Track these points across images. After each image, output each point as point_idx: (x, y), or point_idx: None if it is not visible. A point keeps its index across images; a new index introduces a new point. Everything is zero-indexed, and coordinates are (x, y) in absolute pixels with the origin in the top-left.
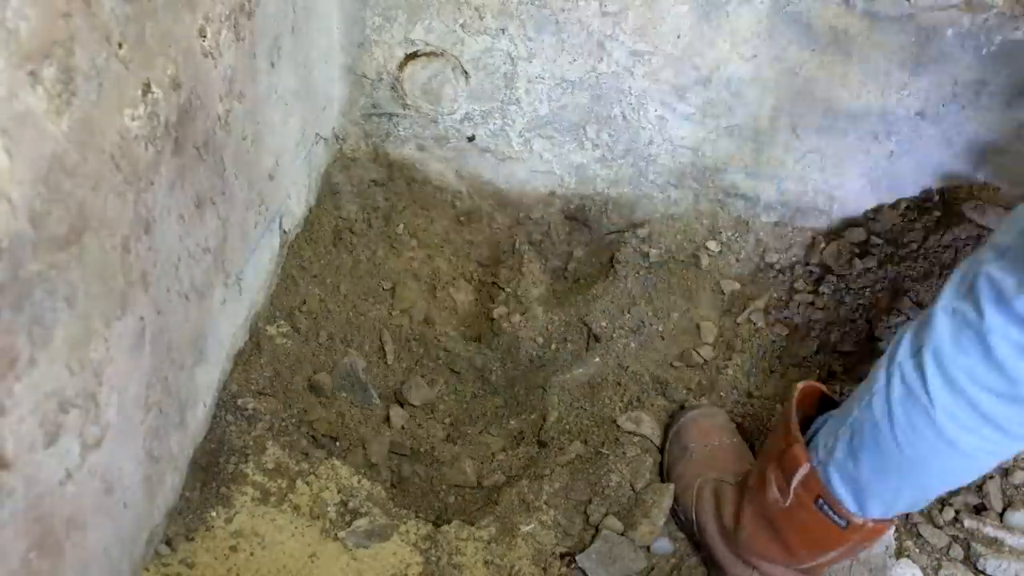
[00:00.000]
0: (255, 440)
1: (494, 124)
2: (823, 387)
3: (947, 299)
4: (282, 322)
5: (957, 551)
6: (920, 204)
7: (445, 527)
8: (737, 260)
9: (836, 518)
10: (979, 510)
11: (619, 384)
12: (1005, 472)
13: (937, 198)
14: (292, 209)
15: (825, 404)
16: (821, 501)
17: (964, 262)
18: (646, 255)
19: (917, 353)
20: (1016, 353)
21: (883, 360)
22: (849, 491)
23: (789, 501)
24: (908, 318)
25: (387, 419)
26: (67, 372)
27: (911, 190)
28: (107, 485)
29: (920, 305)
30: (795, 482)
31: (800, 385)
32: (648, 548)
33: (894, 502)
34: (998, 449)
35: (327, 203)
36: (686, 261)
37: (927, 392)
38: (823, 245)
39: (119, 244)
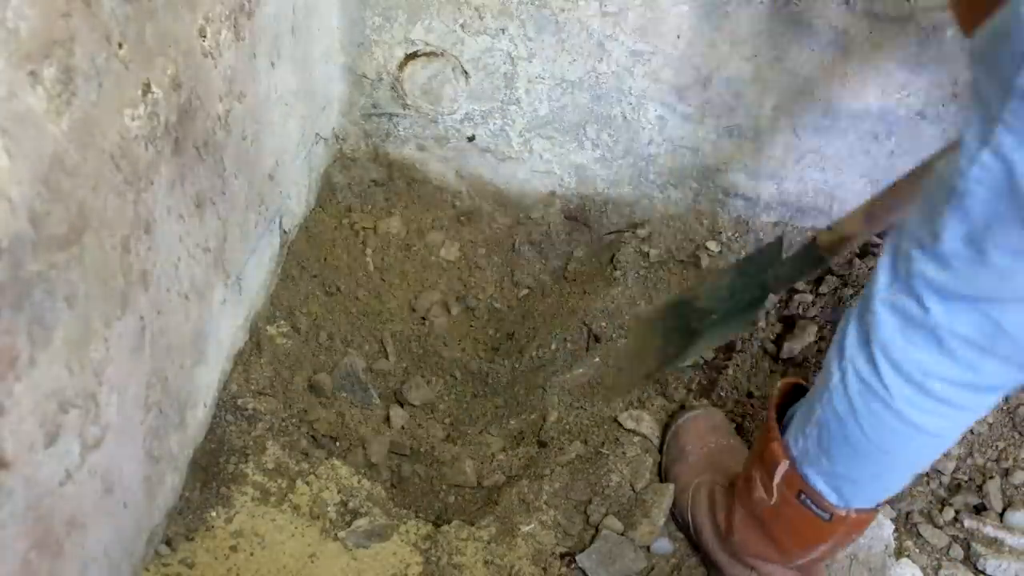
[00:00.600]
0: (255, 440)
1: (494, 124)
2: (799, 380)
3: (884, 291)
4: (282, 322)
5: (957, 551)
6: None
7: (445, 527)
8: (737, 260)
9: (819, 511)
10: (979, 510)
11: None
12: (1005, 472)
13: None
14: (292, 209)
15: (801, 395)
16: (803, 496)
17: (889, 251)
18: (646, 255)
19: (866, 345)
20: (966, 344)
21: (833, 352)
22: (829, 486)
23: (774, 499)
24: None
25: (387, 419)
26: (67, 372)
27: None
28: (107, 485)
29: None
30: (777, 479)
31: (780, 382)
32: (648, 548)
33: (875, 489)
34: (962, 423)
35: (327, 203)
36: (686, 261)
37: (883, 385)
38: None
39: (119, 244)
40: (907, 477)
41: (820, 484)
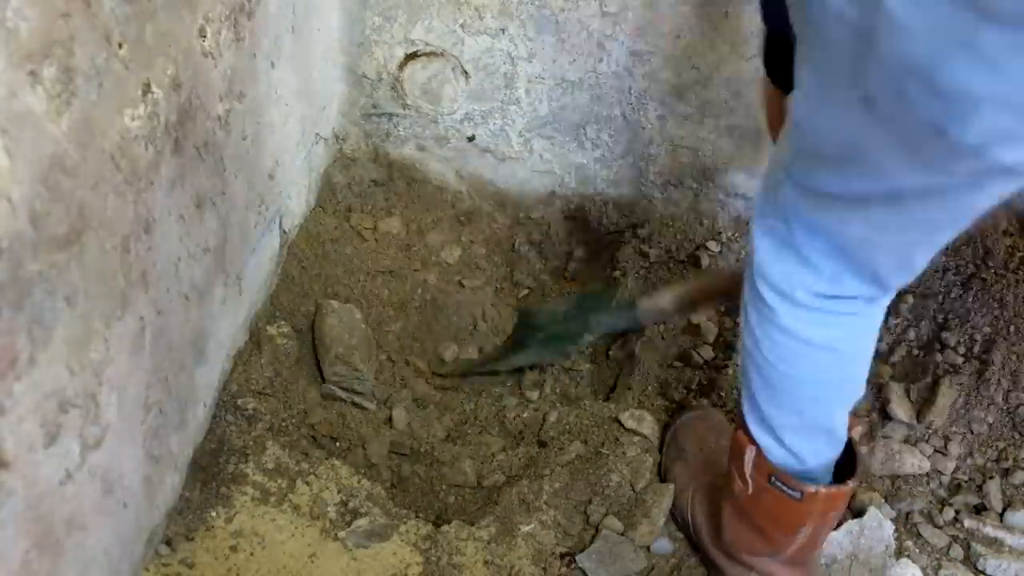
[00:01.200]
0: (255, 440)
1: (494, 124)
2: None
3: (759, 216)
4: (282, 322)
5: (957, 551)
6: None
7: (445, 527)
8: (737, 260)
9: (790, 491)
10: (979, 510)
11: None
12: (1005, 472)
13: None
14: (292, 209)
15: None
16: (774, 479)
17: (765, 178)
18: (646, 255)
19: (752, 279)
20: (824, 258)
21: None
22: (771, 438)
23: (751, 488)
24: (905, 318)
25: (388, 419)
26: (67, 372)
27: None
28: (107, 485)
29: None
30: (748, 467)
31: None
32: (648, 548)
33: (802, 428)
34: (847, 333)
35: (327, 203)
36: (686, 261)
37: (766, 304)
38: None
39: (119, 244)
40: (828, 410)
41: (762, 437)
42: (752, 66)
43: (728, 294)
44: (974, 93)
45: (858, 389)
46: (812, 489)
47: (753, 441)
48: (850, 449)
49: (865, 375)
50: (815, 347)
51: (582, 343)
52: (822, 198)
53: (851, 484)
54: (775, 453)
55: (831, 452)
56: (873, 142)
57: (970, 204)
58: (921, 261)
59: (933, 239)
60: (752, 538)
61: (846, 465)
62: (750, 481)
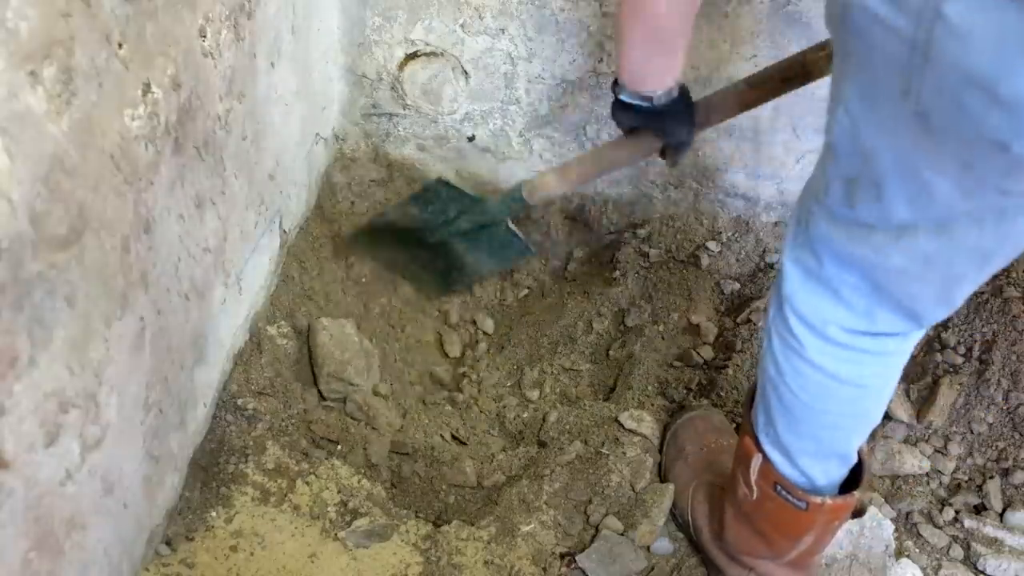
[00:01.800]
0: (255, 440)
1: (494, 124)
2: None
3: (789, 247)
4: (282, 322)
5: (957, 551)
6: None
7: (445, 527)
8: (737, 260)
9: (795, 501)
10: (979, 510)
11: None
12: (1005, 472)
13: None
14: (292, 209)
15: None
16: (779, 487)
17: (797, 207)
18: (646, 255)
19: (780, 306)
20: (857, 294)
21: (764, 323)
22: (783, 457)
23: (755, 494)
24: None
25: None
26: (67, 372)
27: None
28: (107, 485)
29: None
30: (754, 474)
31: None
32: (648, 548)
33: (818, 454)
34: (875, 370)
35: (327, 203)
36: (686, 261)
37: (794, 336)
38: None
39: (119, 244)
40: (845, 438)
41: (774, 455)
42: (752, 65)
43: (614, 167)
44: None
45: (879, 419)
46: (817, 500)
47: (761, 450)
48: (857, 460)
49: (886, 405)
50: (842, 382)
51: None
52: (860, 229)
53: (856, 495)
54: (785, 471)
55: (841, 473)
56: (924, 160)
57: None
58: (962, 296)
59: (982, 270)
60: (754, 541)
61: (851, 474)
62: (755, 488)
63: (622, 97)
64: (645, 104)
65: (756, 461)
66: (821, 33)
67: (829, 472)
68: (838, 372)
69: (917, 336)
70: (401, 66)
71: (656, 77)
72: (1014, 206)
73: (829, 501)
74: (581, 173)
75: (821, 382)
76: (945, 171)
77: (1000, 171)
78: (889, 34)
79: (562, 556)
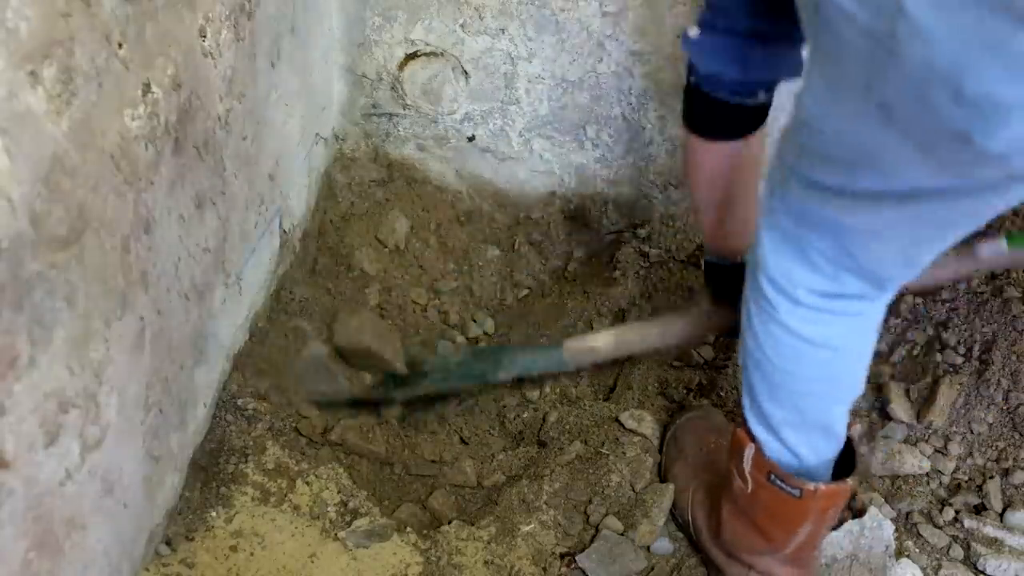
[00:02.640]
0: (255, 440)
1: (494, 124)
2: None
3: (764, 216)
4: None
5: (957, 551)
6: None
7: (445, 527)
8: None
9: (789, 489)
10: (979, 510)
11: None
12: (1005, 472)
13: None
14: (292, 209)
15: None
16: (772, 476)
17: (769, 173)
18: (646, 255)
19: (755, 274)
20: (824, 258)
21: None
22: (770, 435)
23: (750, 486)
24: (905, 318)
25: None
26: (67, 372)
27: None
28: (107, 485)
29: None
30: (747, 465)
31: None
32: (648, 548)
33: (801, 425)
34: (846, 332)
35: (327, 203)
36: (686, 261)
37: (768, 300)
38: None
39: (119, 244)
40: (826, 406)
41: (761, 434)
42: None
43: (666, 344)
44: (1004, 101)
45: (858, 387)
46: (811, 487)
47: (752, 439)
48: (849, 447)
49: (865, 373)
50: (815, 345)
51: (493, 380)
52: (827, 192)
53: (850, 482)
54: (773, 449)
55: (830, 450)
56: (889, 148)
57: (988, 205)
58: (928, 258)
59: (945, 236)
60: (751, 536)
61: (845, 463)
62: (749, 479)
63: (706, 258)
64: (726, 262)
65: (749, 451)
66: None
67: (817, 449)
68: (812, 335)
69: (885, 299)
70: (401, 66)
71: (732, 240)
72: (976, 186)
73: (823, 487)
74: (627, 345)
75: (795, 346)
76: (910, 158)
77: (964, 160)
78: (853, 27)
79: (562, 556)
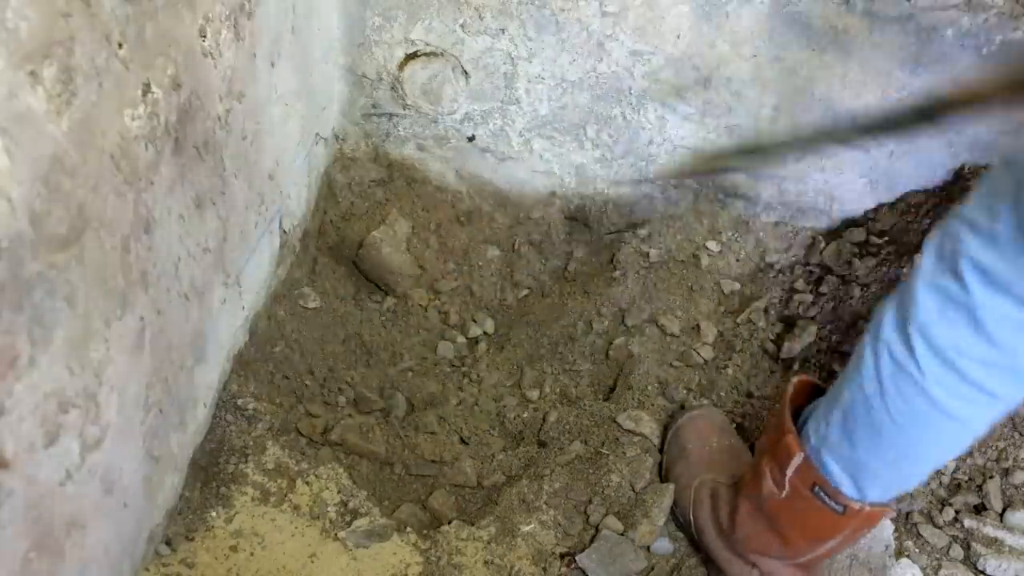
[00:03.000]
0: (255, 440)
1: (494, 124)
2: (816, 380)
3: (928, 275)
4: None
5: (957, 551)
6: (920, 204)
7: (445, 527)
8: (737, 260)
9: (833, 504)
10: (979, 510)
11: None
12: (1005, 472)
13: (937, 198)
14: (292, 209)
15: (817, 396)
16: (818, 488)
17: (938, 235)
18: (646, 255)
19: (903, 329)
20: (1005, 325)
21: (866, 340)
22: (847, 474)
23: (785, 492)
24: None
25: (386, 418)
26: (67, 372)
27: (911, 190)
28: (107, 485)
29: None
30: (790, 472)
31: (795, 379)
32: (648, 548)
33: (892, 479)
34: (989, 412)
35: (327, 203)
36: (686, 261)
37: (917, 364)
38: (823, 245)
39: (119, 244)
40: (925, 469)
41: (836, 470)
42: (752, 65)
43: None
44: None
45: (960, 452)
46: (856, 505)
47: (803, 449)
48: None
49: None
50: (951, 418)
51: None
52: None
53: (893, 504)
54: (837, 479)
55: (896, 492)
56: None
57: None
58: None
59: None
60: (768, 539)
61: None
62: (787, 486)
63: None
64: None
65: (797, 459)
66: (821, 33)
67: (887, 492)
68: (952, 408)
69: None
70: (401, 66)
71: None
72: None
73: (868, 508)
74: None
75: (929, 416)
76: None
77: None
78: None
79: (562, 556)
